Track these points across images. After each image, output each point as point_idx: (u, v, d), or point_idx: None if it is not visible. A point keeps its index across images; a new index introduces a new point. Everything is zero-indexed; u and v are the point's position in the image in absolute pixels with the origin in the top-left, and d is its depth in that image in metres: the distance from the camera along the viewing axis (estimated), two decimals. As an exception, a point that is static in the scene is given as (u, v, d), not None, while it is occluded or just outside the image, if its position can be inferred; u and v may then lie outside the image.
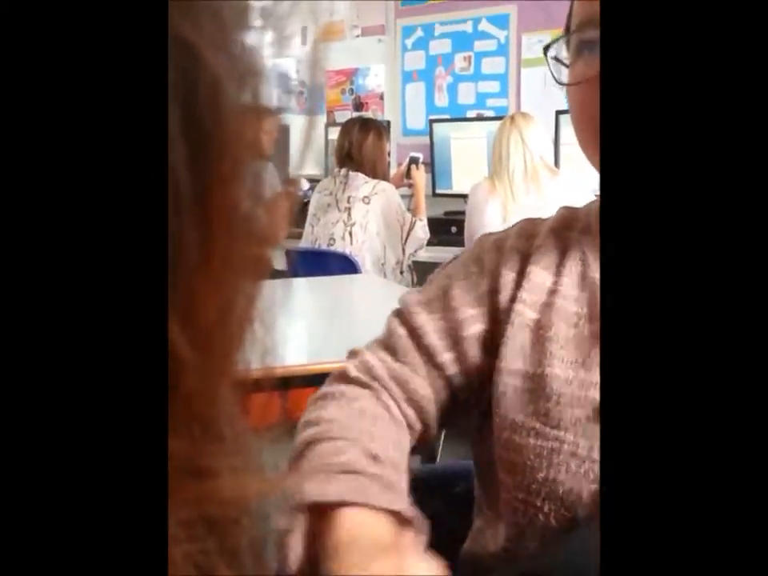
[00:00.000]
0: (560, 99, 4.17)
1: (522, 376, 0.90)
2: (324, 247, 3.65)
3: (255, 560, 0.31)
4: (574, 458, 0.84)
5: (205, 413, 0.29)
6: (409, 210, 3.87)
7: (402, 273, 3.76)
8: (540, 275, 0.93)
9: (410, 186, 4.20)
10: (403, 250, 3.73)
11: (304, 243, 3.79)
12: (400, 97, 5.21)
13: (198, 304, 0.27)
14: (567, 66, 0.87)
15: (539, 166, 3.18)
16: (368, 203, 3.64)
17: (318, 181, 4.09)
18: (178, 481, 0.27)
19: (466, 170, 4.38)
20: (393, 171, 4.36)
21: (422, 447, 1.19)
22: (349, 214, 3.65)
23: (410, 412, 0.96)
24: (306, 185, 4.79)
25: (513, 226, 1.02)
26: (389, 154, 4.09)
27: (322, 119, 5.37)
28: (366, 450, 0.85)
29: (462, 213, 3.64)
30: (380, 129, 3.90)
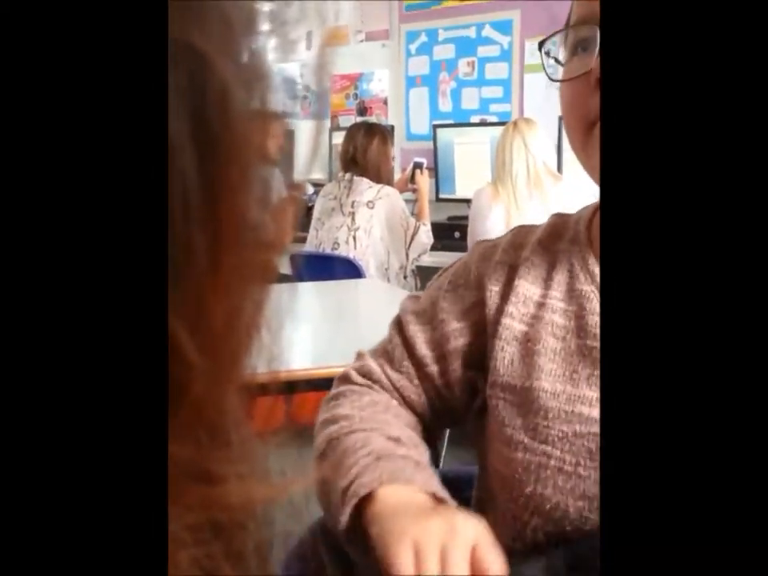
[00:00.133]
0: (563, 104, 4.18)
1: (511, 390, 0.90)
2: (328, 251, 3.65)
3: (261, 564, 0.31)
4: (561, 473, 0.84)
5: (213, 418, 0.29)
6: (412, 214, 3.87)
7: (405, 277, 3.76)
8: (528, 288, 0.93)
9: (414, 190, 4.20)
10: (407, 255, 3.73)
11: (308, 247, 3.79)
12: (404, 102, 5.22)
13: (207, 309, 0.27)
14: (562, 65, 0.87)
15: (542, 171, 3.18)
16: (372, 208, 3.64)
17: (322, 185, 4.09)
18: (184, 486, 0.27)
19: (469, 175, 4.38)
20: (396, 176, 4.36)
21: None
22: (353, 219, 3.65)
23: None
24: (310, 189, 4.79)
25: (505, 235, 1.02)
26: (393, 159, 4.09)
27: (327, 124, 5.37)
28: (388, 435, 0.88)
29: (466, 218, 3.64)
30: (385, 134, 3.90)
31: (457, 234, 4.11)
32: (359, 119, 5.05)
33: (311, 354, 1.85)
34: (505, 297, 0.94)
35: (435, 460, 2.58)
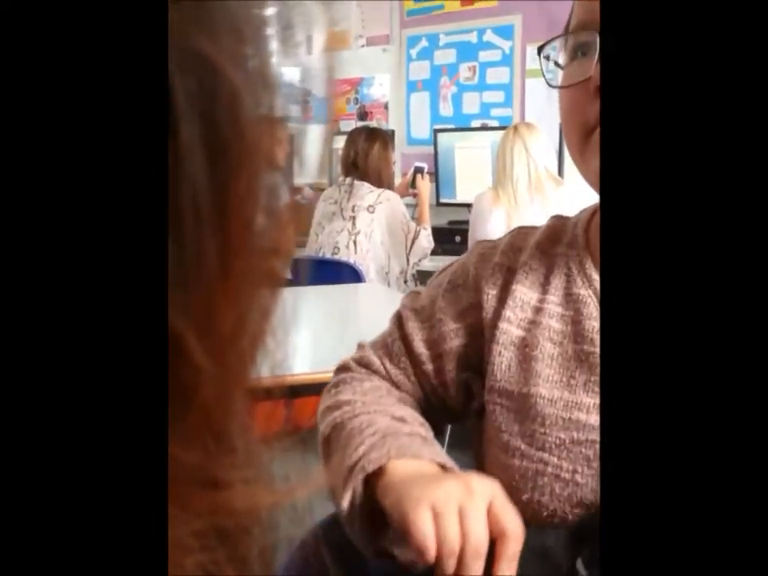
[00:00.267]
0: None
1: (508, 395, 0.90)
2: (328, 256, 3.65)
3: (264, 569, 0.31)
4: (558, 480, 0.84)
5: (220, 423, 0.29)
6: (413, 219, 3.88)
7: (406, 282, 3.76)
8: (525, 293, 0.93)
9: (415, 195, 4.21)
10: (407, 259, 3.73)
11: (308, 252, 3.79)
12: (405, 106, 5.22)
13: (216, 314, 0.27)
14: (562, 68, 0.87)
15: (543, 176, 3.18)
16: (373, 212, 3.65)
17: (322, 189, 4.10)
18: (191, 491, 0.27)
19: (470, 180, 4.38)
20: (397, 181, 4.37)
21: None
22: (353, 223, 3.65)
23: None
24: (310, 193, 4.78)
25: (505, 236, 1.02)
26: (394, 164, 4.10)
27: (331, 128, 5.37)
28: (392, 415, 0.89)
29: (466, 222, 3.64)
30: (386, 138, 3.91)
31: (457, 239, 4.11)
32: (360, 124, 5.06)
33: (311, 359, 1.85)
34: (502, 301, 0.94)
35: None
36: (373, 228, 3.65)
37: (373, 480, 0.81)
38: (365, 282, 3.47)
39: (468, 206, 3.72)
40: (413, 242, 3.72)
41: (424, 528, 0.69)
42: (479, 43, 4.85)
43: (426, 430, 0.90)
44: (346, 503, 0.82)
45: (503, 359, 0.91)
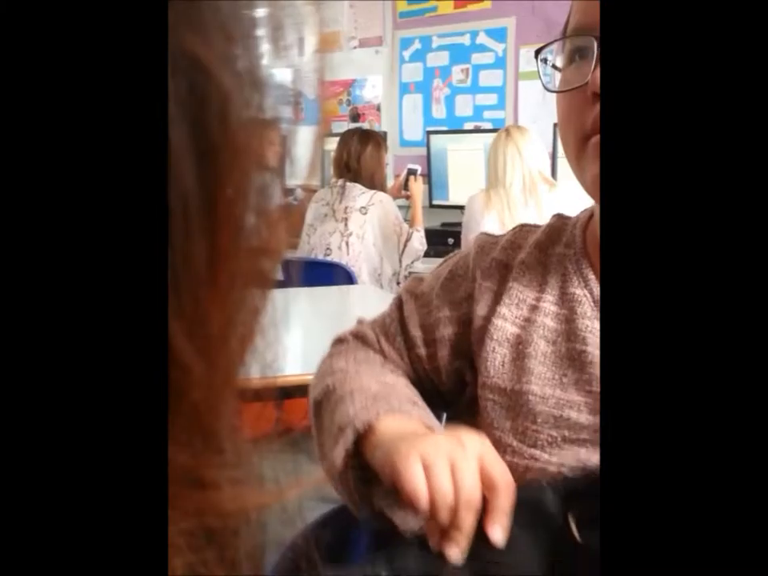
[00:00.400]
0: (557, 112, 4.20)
1: (500, 392, 0.90)
2: (320, 257, 3.65)
3: (254, 570, 0.31)
4: (545, 476, 0.84)
5: (208, 424, 0.29)
6: (406, 221, 3.88)
7: (398, 284, 3.76)
8: (521, 291, 0.93)
9: (407, 197, 4.21)
10: (400, 261, 3.73)
11: (300, 253, 3.79)
12: (397, 108, 5.22)
13: (205, 315, 0.27)
14: (560, 70, 0.87)
15: (537, 179, 3.18)
16: (365, 213, 3.65)
17: (314, 191, 4.09)
18: (179, 491, 0.27)
19: (462, 182, 4.39)
20: (389, 182, 4.37)
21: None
22: (346, 225, 3.65)
23: None
24: (302, 195, 4.78)
25: (507, 233, 1.03)
26: (386, 166, 4.10)
27: (322, 130, 5.37)
28: (384, 381, 0.91)
29: (459, 224, 3.64)
30: (379, 140, 3.91)
31: (450, 241, 4.12)
32: (352, 125, 5.06)
33: (302, 360, 1.85)
34: (498, 297, 0.94)
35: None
36: (365, 230, 3.65)
37: (363, 439, 0.82)
38: (357, 283, 3.47)
39: (461, 207, 3.72)
40: (405, 244, 3.72)
41: (415, 479, 0.69)
42: (472, 45, 4.86)
43: (416, 395, 0.92)
44: (338, 462, 0.83)
45: (497, 355, 0.91)
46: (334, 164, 3.87)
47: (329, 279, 3.40)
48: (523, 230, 1.02)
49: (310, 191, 4.04)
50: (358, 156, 3.76)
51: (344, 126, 5.15)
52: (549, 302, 0.91)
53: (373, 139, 3.86)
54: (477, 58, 4.85)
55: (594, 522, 0.63)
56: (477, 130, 4.74)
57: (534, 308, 0.92)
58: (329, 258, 3.63)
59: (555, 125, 4.14)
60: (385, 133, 4.85)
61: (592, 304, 0.88)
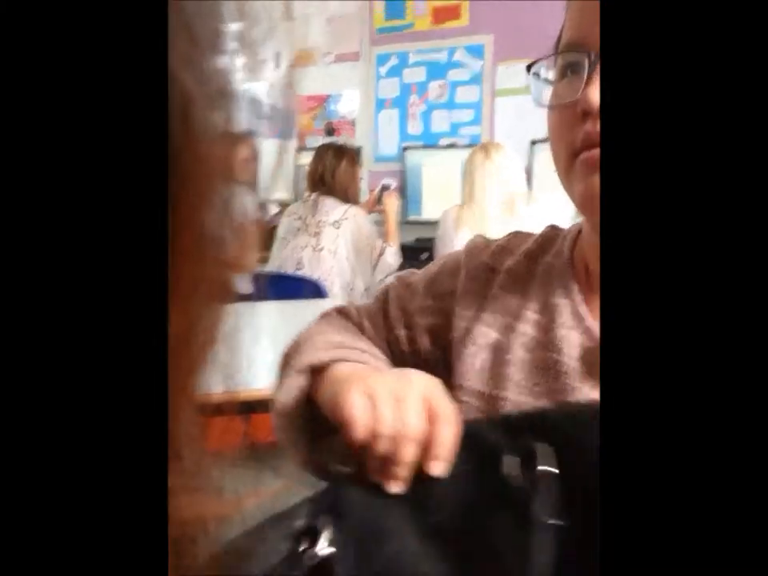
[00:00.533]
0: (534, 129, 4.23)
1: (478, 396, 0.91)
2: (292, 271, 3.64)
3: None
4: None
5: None
6: (380, 236, 3.88)
7: (370, 299, 3.75)
8: (506, 298, 0.94)
9: (382, 212, 4.21)
10: (373, 276, 3.73)
11: (271, 267, 3.78)
12: (373, 123, 5.23)
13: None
14: (551, 84, 0.87)
15: (512, 195, 3.19)
16: (338, 228, 3.65)
17: (287, 205, 4.10)
18: None
19: (437, 198, 4.40)
20: (364, 197, 4.37)
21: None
22: (318, 239, 3.65)
23: None
24: (275, 209, 4.79)
25: (501, 238, 1.03)
26: (361, 180, 4.10)
27: (293, 144, 5.39)
28: (350, 340, 0.91)
29: (433, 239, 3.65)
30: (353, 155, 3.91)
31: (424, 256, 4.12)
32: (327, 140, 5.07)
33: (272, 374, 1.84)
34: (482, 301, 0.95)
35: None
36: (338, 244, 3.65)
37: (317, 379, 0.82)
38: (328, 298, 3.46)
39: (435, 223, 3.73)
40: (378, 259, 3.72)
41: (355, 406, 0.69)
42: (449, 62, 4.88)
43: (381, 359, 0.92)
44: (290, 398, 0.83)
45: (477, 360, 0.92)
46: (308, 178, 3.87)
47: (300, 293, 3.40)
48: (517, 237, 1.03)
49: (283, 205, 4.04)
50: (333, 170, 3.76)
51: (319, 140, 5.15)
52: (531, 310, 0.92)
53: (347, 154, 3.86)
54: (453, 74, 4.88)
55: (529, 464, 0.63)
56: (452, 146, 4.76)
57: (516, 315, 0.92)
58: (300, 273, 3.62)
59: (531, 141, 4.18)
60: (360, 148, 4.86)
61: (571, 315, 0.88)
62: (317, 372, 0.82)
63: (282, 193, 5.11)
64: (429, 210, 4.46)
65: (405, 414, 0.68)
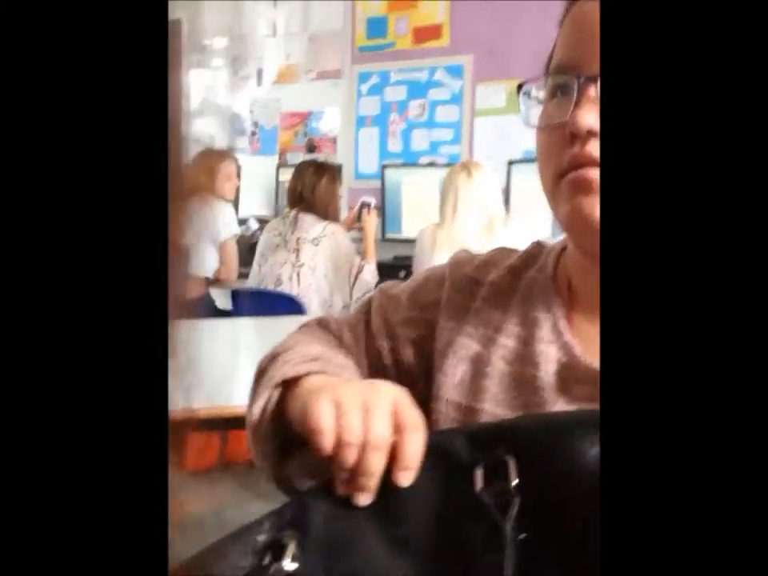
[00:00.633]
0: (512, 149, 4.24)
1: (456, 407, 0.91)
2: (271, 288, 3.64)
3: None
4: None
5: None
6: (358, 253, 3.88)
7: (349, 316, 3.75)
8: (488, 311, 0.94)
9: (361, 229, 4.22)
10: (351, 294, 3.73)
11: (251, 283, 3.78)
12: (354, 141, 5.24)
13: None
14: (541, 103, 0.87)
15: (490, 214, 3.20)
16: (317, 245, 3.65)
17: (267, 221, 4.09)
18: None
19: (416, 216, 4.41)
20: (344, 215, 4.38)
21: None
22: (297, 256, 3.65)
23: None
24: (255, 225, 4.79)
25: (486, 253, 1.03)
26: (341, 198, 4.11)
27: (273, 160, 5.39)
28: (329, 359, 0.89)
29: (412, 257, 3.65)
30: (334, 172, 3.92)
31: (402, 274, 4.12)
32: (308, 157, 5.07)
33: (250, 391, 1.84)
34: (465, 313, 0.95)
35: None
36: (317, 261, 3.65)
37: (288, 392, 0.81)
38: (307, 314, 3.46)
39: (414, 241, 3.74)
40: (356, 277, 3.72)
41: (323, 415, 0.68)
42: (429, 81, 4.90)
43: (356, 373, 0.91)
44: (257, 410, 0.83)
45: (458, 372, 0.92)
46: (288, 194, 3.87)
47: (279, 310, 3.39)
48: (501, 252, 1.03)
49: (262, 221, 4.04)
50: (313, 187, 3.76)
51: (300, 156, 5.16)
52: (512, 324, 0.92)
53: (328, 171, 3.87)
54: (434, 93, 4.90)
55: (500, 478, 0.63)
56: (432, 165, 4.77)
57: (497, 328, 0.92)
58: (279, 289, 3.62)
59: (509, 161, 4.20)
60: (340, 165, 4.87)
61: (551, 329, 0.88)
62: (289, 385, 0.82)
63: (262, 209, 5.11)
64: (408, 228, 4.47)
65: (372, 422, 0.68)
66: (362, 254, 3.91)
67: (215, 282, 4.11)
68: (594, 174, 0.76)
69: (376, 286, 3.74)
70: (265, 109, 5.48)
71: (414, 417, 0.69)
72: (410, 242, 4.07)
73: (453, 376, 0.92)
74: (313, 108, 5.40)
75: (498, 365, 0.90)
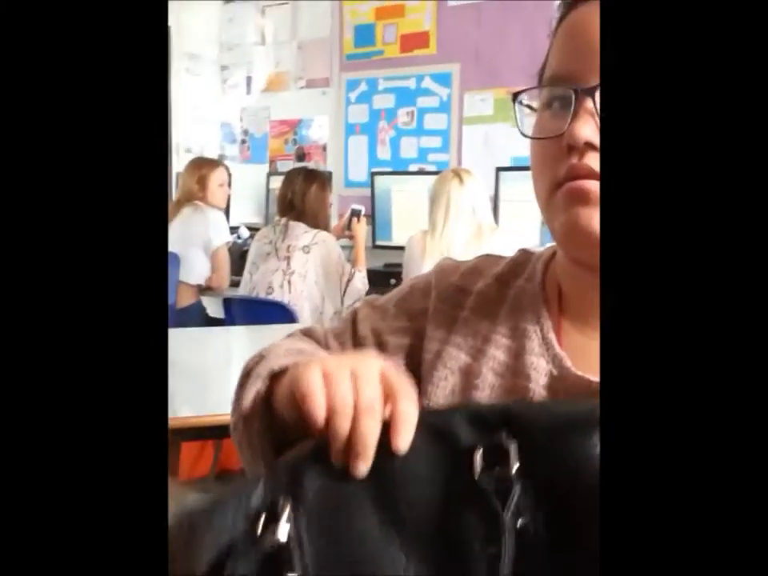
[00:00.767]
0: (500, 156, 4.25)
1: None
2: (262, 296, 3.64)
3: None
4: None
5: None
6: (349, 261, 3.88)
7: (340, 324, 3.74)
8: (476, 321, 0.93)
9: (351, 237, 4.21)
10: (342, 301, 3.73)
11: (242, 291, 3.78)
12: (343, 149, 5.24)
13: None
14: (535, 111, 0.86)
15: (478, 221, 3.20)
16: (308, 253, 3.65)
17: (257, 229, 4.09)
18: None
19: (406, 223, 4.41)
20: (334, 222, 4.38)
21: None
22: (288, 263, 3.65)
23: None
24: (246, 233, 4.78)
25: (471, 260, 1.03)
26: (331, 206, 4.11)
27: (263, 168, 5.39)
28: (312, 348, 0.92)
29: (402, 265, 3.65)
30: (323, 180, 3.92)
31: (392, 281, 4.12)
32: (298, 164, 5.07)
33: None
34: (453, 323, 0.94)
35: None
36: (307, 269, 3.65)
37: (275, 384, 0.81)
38: (298, 322, 3.45)
39: (404, 248, 3.74)
40: (347, 284, 3.72)
41: (313, 383, 0.68)
42: (418, 89, 4.91)
43: None
44: (247, 403, 0.83)
45: (448, 383, 0.91)
46: (279, 202, 3.87)
47: (270, 318, 3.39)
48: (488, 260, 1.02)
49: (253, 229, 4.04)
50: (303, 195, 3.76)
51: (290, 165, 5.15)
52: (501, 335, 0.91)
53: (318, 179, 3.87)
54: (422, 101, 4.90)
55: (500, 463, 0.63)
56: (421, 172, 4.77)
57: (486, 339, 0.92)
58: (270, 297, 3.62)
59: (497, 168, 4.20)
60: (330, 173, 4.86)
61: (540, 341, 0.88)
62: (276, 377, 0.82)
63: (252, 217, 5.10)
64: (398, 236, 4.47)
65: (362, 388, 0.67)
66: (353, 261, 3.90)
67: (207, 289, 4.10)
68: (591, 185, 0.75)
69: (367, 293, 3.75)
70: (254, 117, 5.49)
71: (403, 382, 0.69)
72: (401, 249, 4.07)
73: (443, 388, 0.91)
74: (302, 116, 5.40)
75: (488, 377, 0.89)
